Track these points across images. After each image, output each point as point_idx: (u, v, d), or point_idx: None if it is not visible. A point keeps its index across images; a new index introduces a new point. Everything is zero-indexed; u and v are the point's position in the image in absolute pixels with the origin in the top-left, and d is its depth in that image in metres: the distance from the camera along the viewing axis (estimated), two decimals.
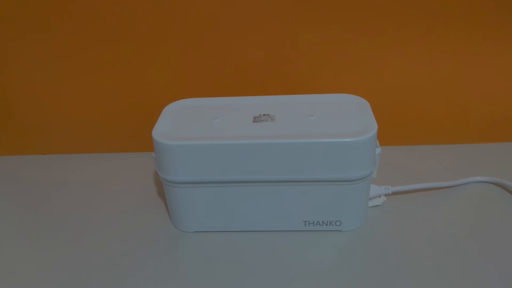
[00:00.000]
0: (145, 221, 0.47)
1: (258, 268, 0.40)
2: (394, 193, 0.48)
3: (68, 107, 0.57)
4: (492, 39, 0.51)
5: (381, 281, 0.38)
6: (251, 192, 0.42)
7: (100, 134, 0.60)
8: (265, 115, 0.44)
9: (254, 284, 0.39)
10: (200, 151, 0.40)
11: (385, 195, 0.48)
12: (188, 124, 0.43)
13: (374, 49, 0.52)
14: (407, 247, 0.42)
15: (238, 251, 0.43)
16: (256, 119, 0.43)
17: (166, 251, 0.43)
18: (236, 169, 0.41)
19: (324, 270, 0.40)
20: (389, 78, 0.54)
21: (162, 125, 0.43)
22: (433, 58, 0.52)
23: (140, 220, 0.47)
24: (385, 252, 0.41)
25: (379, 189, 0.47)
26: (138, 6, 0.50)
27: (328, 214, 0.43)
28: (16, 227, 0.48)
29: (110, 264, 0.42)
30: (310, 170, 0.40)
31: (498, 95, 0.54)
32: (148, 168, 0.56)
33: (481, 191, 0.49)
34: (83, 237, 0.45)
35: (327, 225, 0.44)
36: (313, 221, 0.44)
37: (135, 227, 0.46)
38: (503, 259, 0.39)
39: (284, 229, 0.45)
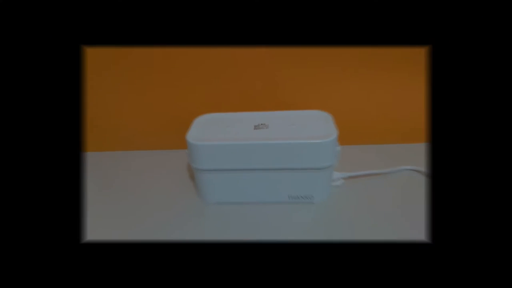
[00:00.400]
0: (181, 196, 0.48)
1: (259, 226, 0.42)
2: (350, 177, 0.50)
3: (131, 119, 0.59)
4: (412, 73, 0.53)
5: (340, 236, 0.40)
6: (253, 176, 0.44)
7: (151, 137, 0.61)
8: (262, 124, 0.45)
9: (255, 236, 0.40)
10: (219, 149, 0.42)
11: (343, 178, 0.49)
12: (211, 130, 0.45)
13: (335, 80, 0.54)
14: (358, 214, 0.43)
15: (245, 216, 0.44)
16: (256, 127, 0.44)
17: (195, 216, 0.44)
18: (243, 161, 0.42)
19: (302, 228, 0.42)
20: (345, 99, 0.56)
21: (193, 131, 0.45)
22: (373, 85, 0.54)
23: (177, 195, 0.49)
24: (343, 217, 0.43)
25: (339, 174, 0.49)
26: (179, 54, 0.52)
27: (304, 191, 0.45)
28: (97, 202, 0.49)
29: (157, 225, 0.43)
30: (292, 162, 0.42)
31: (417, 111, 0.56)
32: (183, 160, 0.58)
33: (408, 176, 0.51)
34: (139, 206, 0.47)
35: (304, 198, 0.45)
36: (295, 196, 0.45)
37: (174, 200, 0.48)
38: (417, 218, 0.41)
39: (275, 201, 0.46)
